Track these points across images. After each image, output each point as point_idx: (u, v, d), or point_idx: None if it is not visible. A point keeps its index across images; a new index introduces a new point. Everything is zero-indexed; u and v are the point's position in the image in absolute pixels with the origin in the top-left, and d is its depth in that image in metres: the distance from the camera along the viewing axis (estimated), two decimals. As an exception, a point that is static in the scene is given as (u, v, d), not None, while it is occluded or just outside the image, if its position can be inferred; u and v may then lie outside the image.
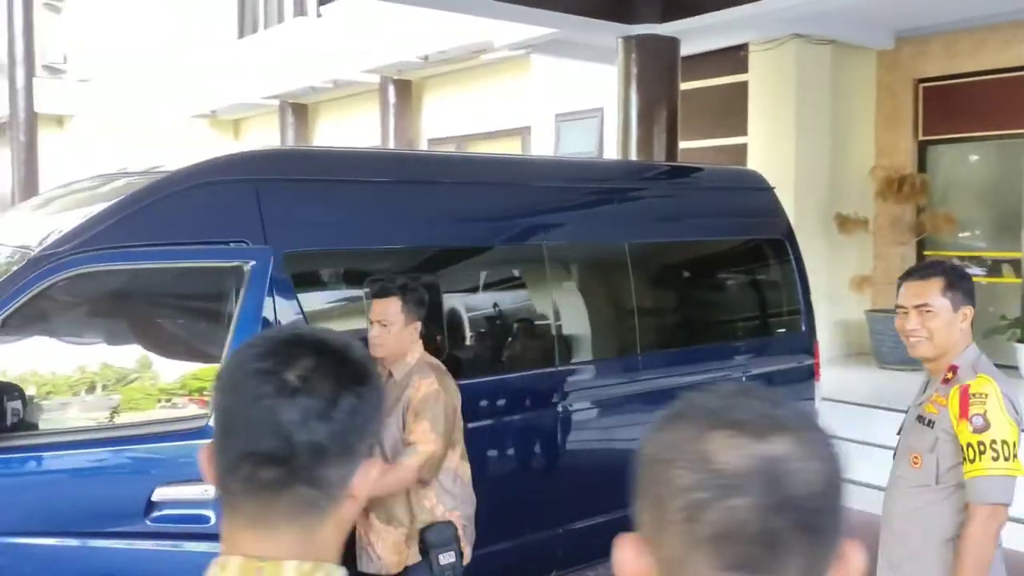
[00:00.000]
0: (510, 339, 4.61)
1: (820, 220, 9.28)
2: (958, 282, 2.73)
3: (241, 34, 18.78)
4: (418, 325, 3.22)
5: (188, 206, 3.57)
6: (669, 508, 0.81)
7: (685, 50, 8.88)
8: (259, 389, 1.04)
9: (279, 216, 3.73)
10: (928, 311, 2.69)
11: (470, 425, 3.57)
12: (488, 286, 4.57)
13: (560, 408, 4.54)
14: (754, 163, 9.43)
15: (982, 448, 2.52)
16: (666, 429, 0.85)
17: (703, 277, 5.72)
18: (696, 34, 8.28)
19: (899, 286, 2.82)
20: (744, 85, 9.56)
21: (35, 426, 3.15)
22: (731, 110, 9.67)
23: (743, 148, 9.56)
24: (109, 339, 3.57)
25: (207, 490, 3.16)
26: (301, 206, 3.84)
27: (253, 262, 3.56)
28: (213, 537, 3.06)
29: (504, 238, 4.52)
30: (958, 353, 2.72)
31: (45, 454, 3.15)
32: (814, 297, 8.91)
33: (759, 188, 5.88)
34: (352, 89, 15.52)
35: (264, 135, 18.68)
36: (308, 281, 3.88)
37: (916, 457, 2.74)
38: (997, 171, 9.37)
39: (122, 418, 3.27)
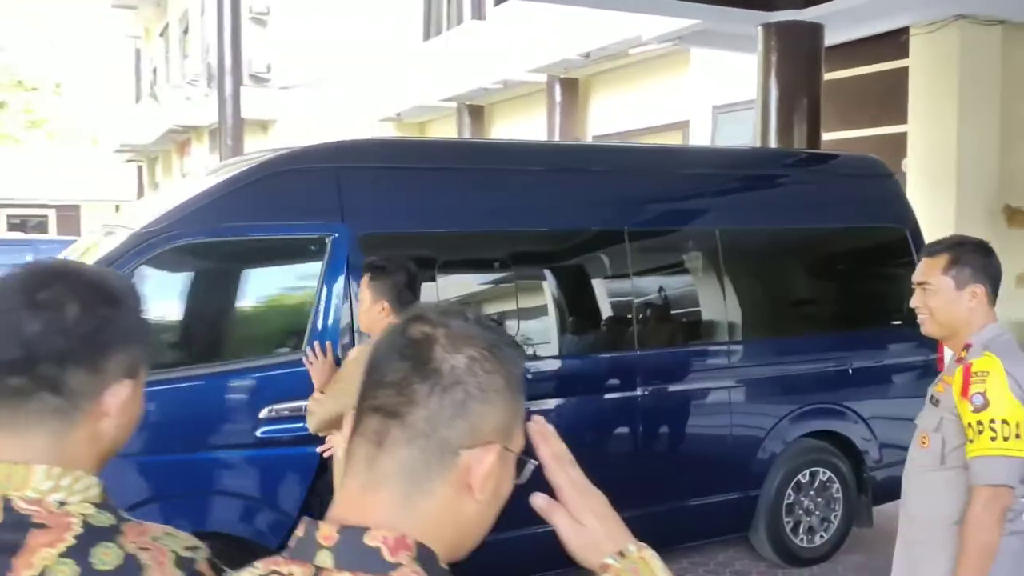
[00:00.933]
0: (576, 323, 4.74)
1: (986, 213, 8.68)
2: (966, 258, 2.62)
3: (427, 37, 19.61)
4: (384, 305, 3.29)
5: (273, 190, 3.97)
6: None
7: (840, 37, 8.61)
8: (8, 304, 1.15)
9: (358, 200, 4.06)
10: (928, 289, 2.62)
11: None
12: (562, 269, 4.71)
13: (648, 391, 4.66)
14: (914, 153, 8.99)
15: (981, 428, 2.43)
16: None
17: (807, 265, 5.56)
18: (844, 19, 7.98)
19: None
20: (905, 71, 9.08)
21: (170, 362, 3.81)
22: (891, 98, 9.20)
23: (902, 137, 9.09)
24: (205, 301, 4.05)
25: (302, 406, 3.60)
26: (379, 192, 4.15)
27: (334, 236, 3.92)
28: (310, 437, 3.45)
29: (582, 223, 4.64)
30: (974, 331, 2.62)
31: (191, 386, 3.74)
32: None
33: (877, 175, 5.66)
34: (522, 89, 15.90)
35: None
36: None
37: (924, 437, 2.68)
38: None
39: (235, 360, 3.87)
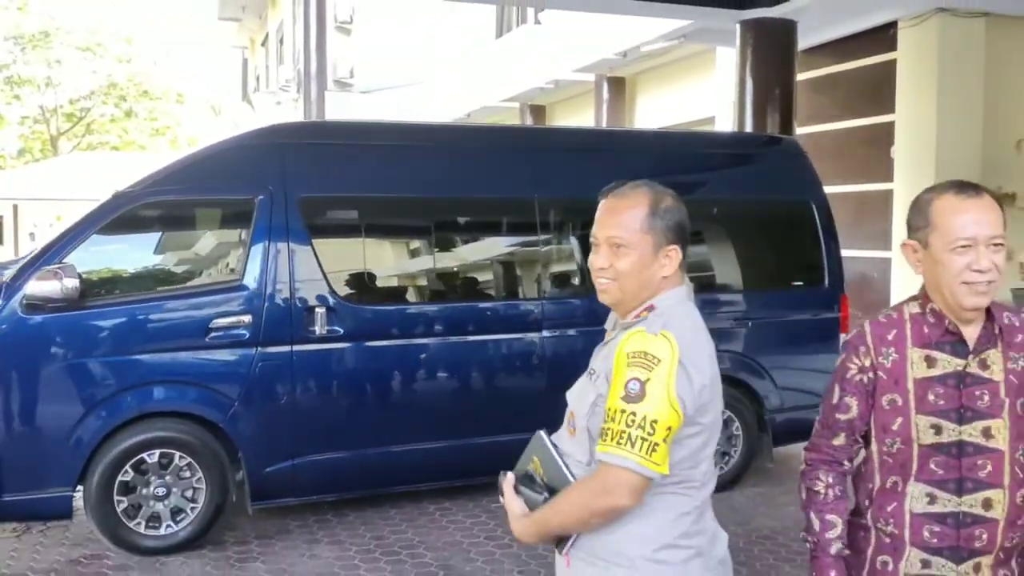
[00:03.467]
0: (458, 273, 5.72)
1: (966, 197, 9.10)
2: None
3: (499, 35, 20.65)
4: None
5: (228, 161, 5.06)
6: None
7: (820, 33, 9.25)
8: None
9: (296, 170, 5.10)
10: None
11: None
12: (471, 232, 5.70)
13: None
14: (900, 141, 9.49)
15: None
16: None
17: (713, 231, 6.28)
18: (817, 15, 8.61)
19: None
20: (893, 64, 9.58)
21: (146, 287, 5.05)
22: (881, 89, 9.72)
23: (891, 126, 9.59)
24: (169, 244, 5.19)
25: (239, 320, 4.63)
26: (314, 163, 5.18)
27: (275, 198, 4.97)
28: (246, 342, 4.84)
29: (495, 193, 5.58)
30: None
31: (160, 305, 4.92)
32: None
33: (787, 153, 6.36)
34: (575, 89, 16.79)
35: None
36: (318, 219, 5.22)
37: None
38: None
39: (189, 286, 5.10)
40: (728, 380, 6.03)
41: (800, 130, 10.82)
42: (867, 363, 2.03)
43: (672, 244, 1.99)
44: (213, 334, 4.89)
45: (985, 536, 1.96)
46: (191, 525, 4.91)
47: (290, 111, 22.61)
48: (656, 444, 1.80)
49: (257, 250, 4.94)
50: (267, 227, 4.95)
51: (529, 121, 18.97)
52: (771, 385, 6.08)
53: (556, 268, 5.77)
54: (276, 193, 5.00)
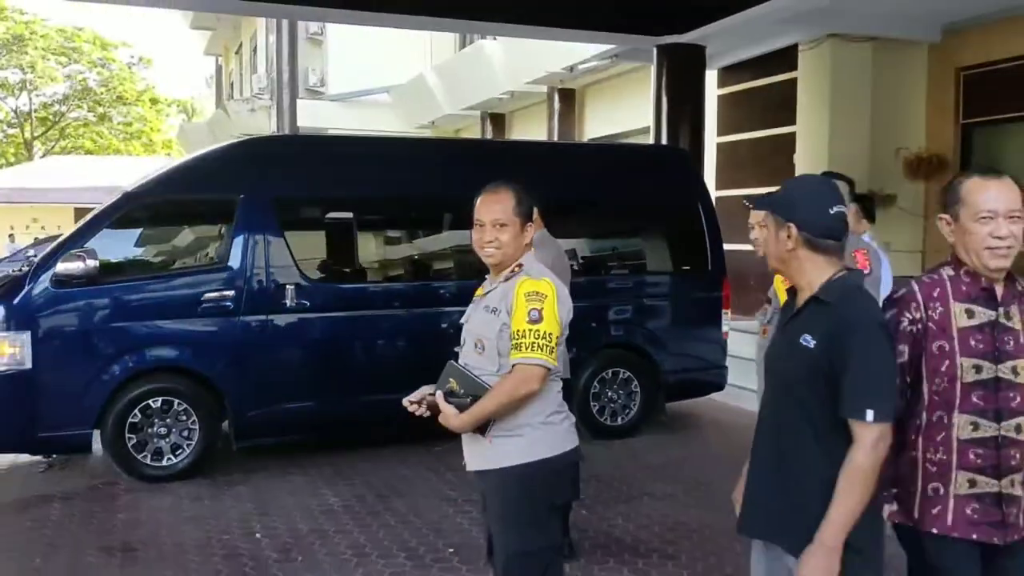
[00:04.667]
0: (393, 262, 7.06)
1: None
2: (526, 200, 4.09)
3: (461, 46, 21.86)
4: None
5: (214, 167, 6.32)
6: None
7: (728, 56, 10.58)
8: None
9: (271, 174, 6.36)
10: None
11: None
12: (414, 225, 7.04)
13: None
14: (800, 149, 10.86)
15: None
16: None
17: (617, 226, 7.61)
18: (723, 40, 9.93)
19: None
20: (795, 82, 10.95)
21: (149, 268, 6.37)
22: (784, 104, 11.08)
23: (792, 137, 10.96)
24: (169, 233, 6.44)
25: (225, 294, 5.90)
26: (286, 168, 6.44)
27: (253, 197, 6.22)
28: (230, 312, 6.36)
29: (425, 193, 6.87)
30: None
31: (162, 282, 6.20)
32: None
33: (678, 160, 7.71)
34: (529, 99, 18.07)
35: (475, 141, 21.61)
36: (288, 214, 6.48)
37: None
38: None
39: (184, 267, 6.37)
40: (629, 347, 7.36)
41: (720, 139, 12.26)
42: (918, 316, 2.39)
43: (529, 222, 2.95)
44: (204, 305, 6.12)
45: (1018, 455, 2.37)
46: (187, 458, 6.14)
47: (263, 119, 23.72)
48: (552, 348, 2.78)
49: (239, 239, 6.19)
50: (247, 220, 6.21)
51: (489, 129, 20.24)
52: (665, 351, 7.38)
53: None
54: (254, 193, 6.25)
